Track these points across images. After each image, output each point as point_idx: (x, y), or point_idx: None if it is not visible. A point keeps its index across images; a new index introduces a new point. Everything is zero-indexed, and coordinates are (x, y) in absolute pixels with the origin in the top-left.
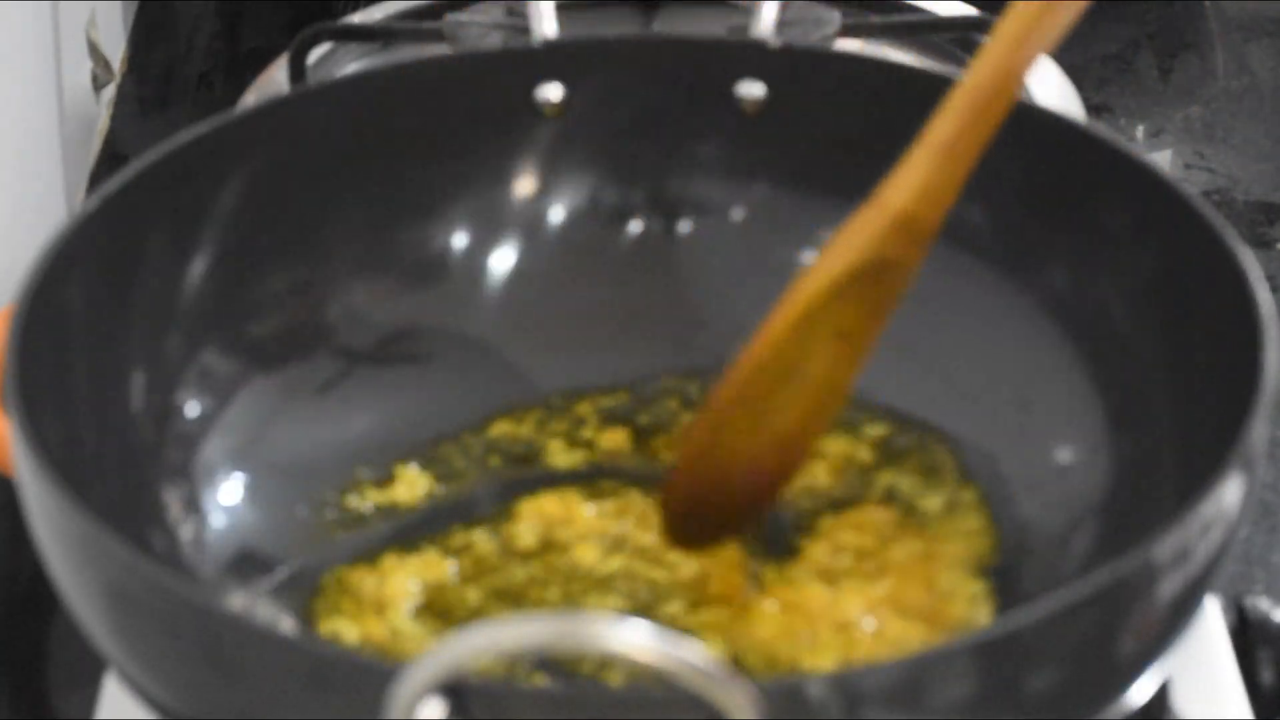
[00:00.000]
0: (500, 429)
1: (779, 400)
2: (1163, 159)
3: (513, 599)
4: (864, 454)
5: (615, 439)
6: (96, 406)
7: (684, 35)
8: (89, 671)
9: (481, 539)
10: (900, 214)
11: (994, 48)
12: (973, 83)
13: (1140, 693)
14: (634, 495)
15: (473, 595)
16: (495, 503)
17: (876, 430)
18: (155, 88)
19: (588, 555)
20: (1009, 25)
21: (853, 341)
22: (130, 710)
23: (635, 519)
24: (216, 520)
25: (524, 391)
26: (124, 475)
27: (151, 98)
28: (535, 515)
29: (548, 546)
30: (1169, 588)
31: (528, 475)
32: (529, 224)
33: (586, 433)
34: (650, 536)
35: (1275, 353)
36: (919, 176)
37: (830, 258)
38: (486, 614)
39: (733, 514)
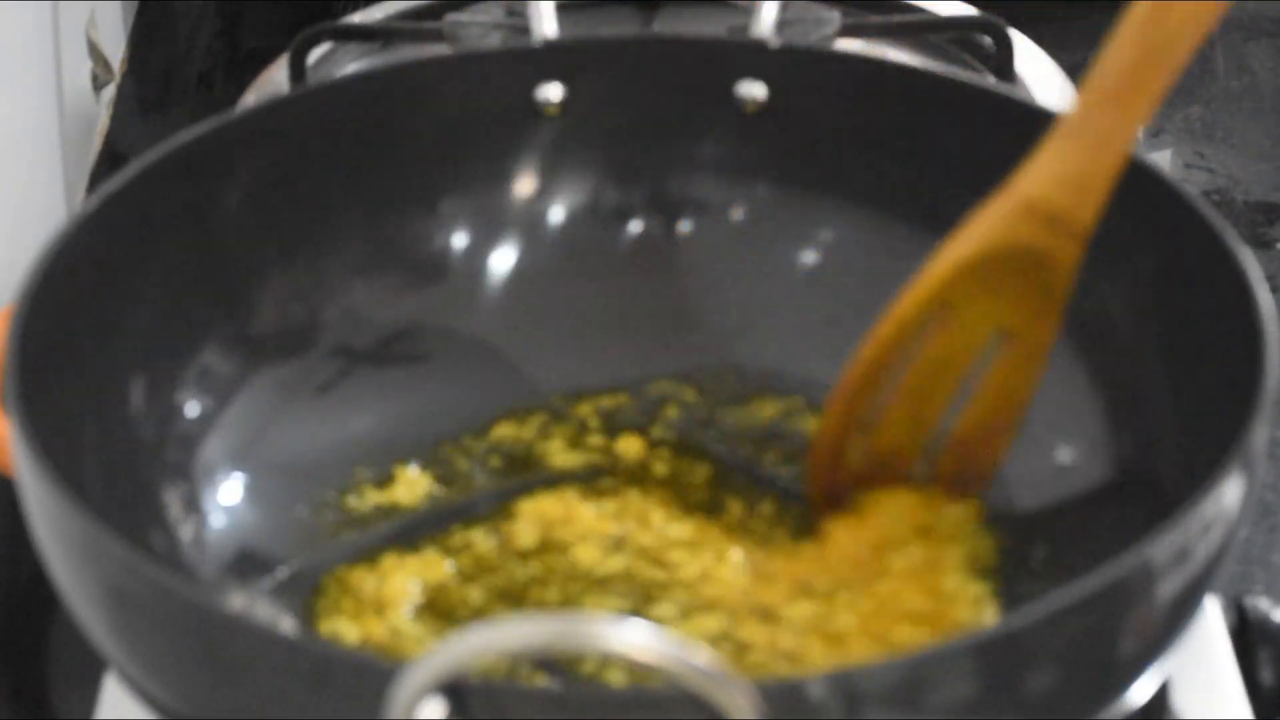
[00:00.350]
0: (502, 431)
1: (933, 394)
2: (1163, 159)
3: (513, 599)
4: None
5: (628, 445)
6: (96, 406)
7: (684, 35)
8: (89, 671)
9: (481, 539)
10: (1029, 200)
11: (1137, 18)
12: (1109, 62)
13: (1140, 693)
14: (633, 495)
15: (473, 595)
16: (495, 503)
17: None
18: (155, 88)
19: (587, 555)
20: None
21: (1022, 343)
22: (130, 710)
23: (635, 519)
24: (216, 520)
25: (524, 392)
26: (124, 475)
27: (151, 98)
28: (535, 515)
29: (547, 546)
30: (1169, 588)
31: (528, 476)
32: (529, 224)
33: (591, 437)
34: (650, 537)
35: (1275, 353)
36: (1049, 163)
37: (955, 243)
38: (487, 614)
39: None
